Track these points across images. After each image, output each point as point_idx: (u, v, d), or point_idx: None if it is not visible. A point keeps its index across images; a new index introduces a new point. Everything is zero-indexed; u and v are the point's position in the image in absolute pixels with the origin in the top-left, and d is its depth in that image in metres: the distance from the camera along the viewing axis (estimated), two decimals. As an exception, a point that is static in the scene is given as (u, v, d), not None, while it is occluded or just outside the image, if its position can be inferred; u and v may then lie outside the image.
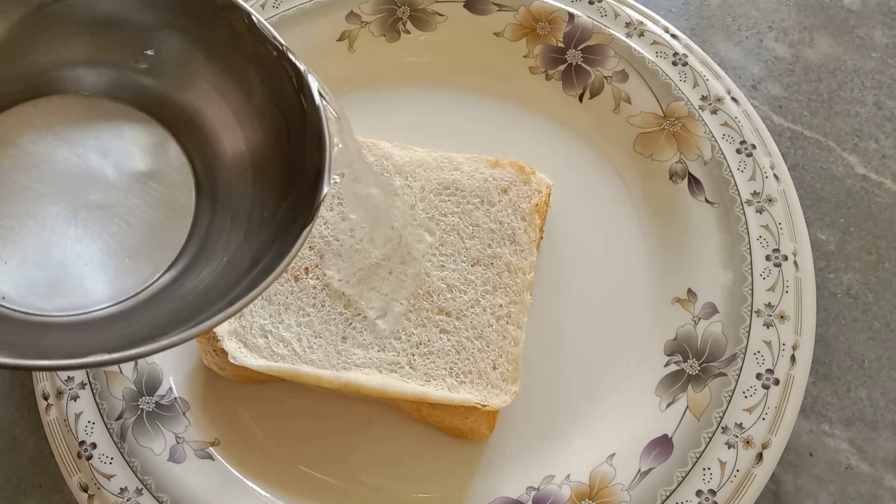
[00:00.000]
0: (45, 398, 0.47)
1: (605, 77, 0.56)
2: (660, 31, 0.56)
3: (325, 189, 0.34)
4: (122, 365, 0.48)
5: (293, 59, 0.37)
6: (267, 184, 0.37)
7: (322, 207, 0.35)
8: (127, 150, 0.38)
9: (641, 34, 0.56)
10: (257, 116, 0.38)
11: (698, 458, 0.43)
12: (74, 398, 0.47)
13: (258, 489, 0.46)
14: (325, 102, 0.36)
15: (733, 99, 0.53)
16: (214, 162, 0.39)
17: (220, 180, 0.38)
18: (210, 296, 0.34)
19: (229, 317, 0.30)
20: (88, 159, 0.37)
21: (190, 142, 0.39)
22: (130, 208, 0.37)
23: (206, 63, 0.38)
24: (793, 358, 0.45)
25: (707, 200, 0.51)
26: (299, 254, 0.48)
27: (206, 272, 0.36)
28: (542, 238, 0.51)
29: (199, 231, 0.37)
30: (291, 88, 0.37)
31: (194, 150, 0.39)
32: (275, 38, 0.37)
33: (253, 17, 0.37)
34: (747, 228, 0.49)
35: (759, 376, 0.45)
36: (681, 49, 0.55)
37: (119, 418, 0.46)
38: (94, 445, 0.45)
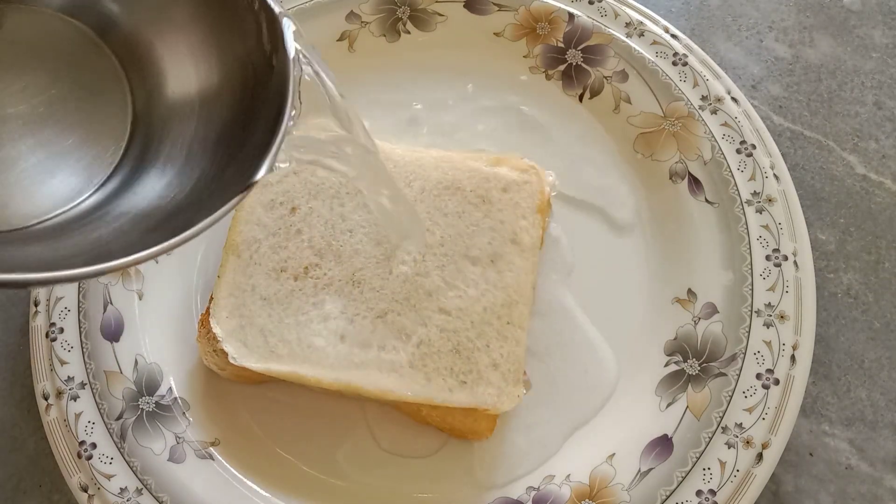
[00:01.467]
0: (45, 398, 0.47)
1: (605, 77, 0.56)
2: (660, 31, 0.56)
3: (274, 150, 0.31)
4: (123, 365, 0.48)
5: (270, 3, 0.34)
6: (212, 130, 0.36)
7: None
8: (65, 70, 0.37)
9: (641, 34, 0.56)
10: (217, 60, 0.36)
11: (698, 458, 0.43)
12: (74, 398, 0.47)
13: (258, 489, 0.46)
14: (304, 56, 0.34)
15: (733, 99, 0.53)
16: (158, 97, 0.37)
17: (158, 115, 0.37)
18: (140, 227, 0.33)
19: (152, 256, 0.29)
20: (24, 73, 0.36)
21: (136, 71, 0.37)
22: (60, 126, 0.35)
23: None
24: (793, 358, 0.45)
25: (707, 200, 0.51)
26: (298, 253, 0.48)
27: (133, 205, 0.34)
28: (542, 238, 0.51)
29: (130, 160, 0.36)
30: (260, 34, 0.34)
31: (139, 80, 0.37)
32: None
33: None
34: (747, 228, 0.49)
35: (759, 376, 0.45)
36: (681, 49, 0.55)
37: (119, 418, 0.46)
38: (94, 445, 0.45)
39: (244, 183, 0.31)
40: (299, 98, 0.33)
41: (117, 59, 0.37)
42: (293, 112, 0.33)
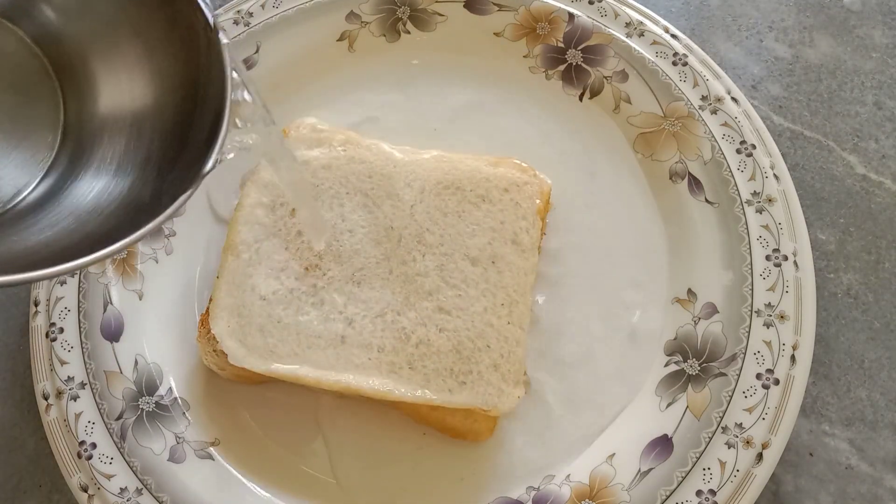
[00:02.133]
0: (45, 398, 0.47)
1: (605, 77, 0.56)
2: (660, 31, 0.56)
3: (211, 162, 0.33)
4: (123, 365, 0.48)
5: (209, 17, 0.35)
6: (147, 139, 0.36)
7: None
8: None
9: (641, 34, 0.56)
10: (154, 74, 0.37)
11: (698, 458, 0.43)
12: (74, 398, 0.47)
13: (258, 489, 0.46)
14: (236, 75, 0.35)
15: (733, 99, 0.53)
16: (91, 108, 0.37)
17: (90, 125, 0.37)
18: (77, 232, 0.33)
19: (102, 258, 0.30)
20: None
21: (70, 81, 0.37)
22: None
23: (115, 9, 0.37)
24: (793, 358, 0.45)
25: (707, 200, 0.51)
26: (297, 254, 0.48)
27: (65, 212, 0.35)
28: (542, 238, 0.51)
29: (59, 169, 0.36)
30: (198, 51, 0.35)
31: (72, 90, 0.37)
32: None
33: None
34: (747, 228, 0.49)
35: (759, 376, 0.45)
36: (681, 49, 0.55)
37: (119, 418, 0.46)
38: (94, 445, 0.46)
39: (189, 181, 0.33)
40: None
41: (52, 68, 0.37)
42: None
